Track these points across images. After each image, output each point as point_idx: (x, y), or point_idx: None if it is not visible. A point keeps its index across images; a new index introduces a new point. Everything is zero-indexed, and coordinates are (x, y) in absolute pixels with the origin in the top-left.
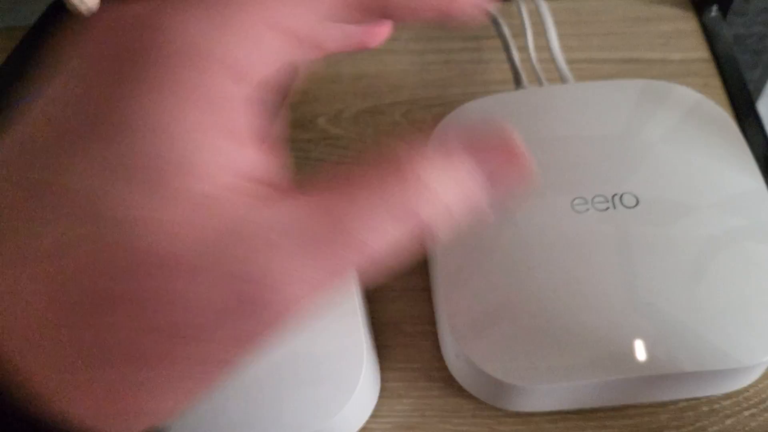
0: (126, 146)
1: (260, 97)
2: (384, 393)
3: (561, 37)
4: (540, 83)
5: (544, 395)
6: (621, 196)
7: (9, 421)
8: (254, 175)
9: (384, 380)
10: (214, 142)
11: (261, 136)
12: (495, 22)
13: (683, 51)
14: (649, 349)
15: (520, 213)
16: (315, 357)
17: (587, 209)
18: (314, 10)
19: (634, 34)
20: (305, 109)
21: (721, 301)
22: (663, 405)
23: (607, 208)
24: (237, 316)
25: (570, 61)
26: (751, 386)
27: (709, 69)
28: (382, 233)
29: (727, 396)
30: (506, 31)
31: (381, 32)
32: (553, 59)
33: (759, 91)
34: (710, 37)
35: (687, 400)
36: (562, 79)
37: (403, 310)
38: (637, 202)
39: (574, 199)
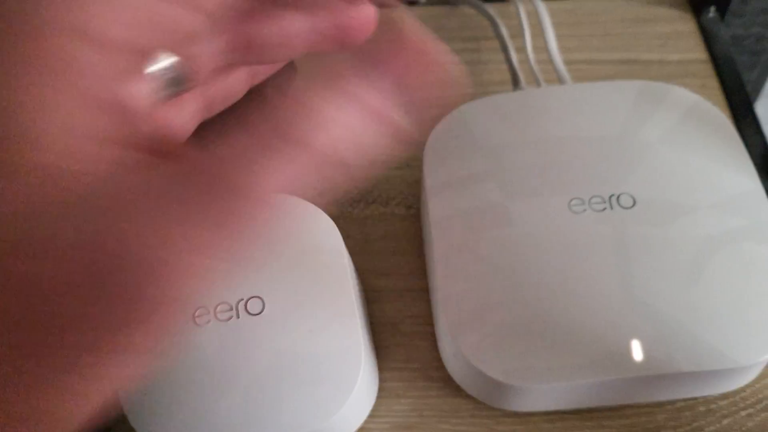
0: None
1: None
2: (382, 393)
3: (559, 38)
4: (538, 84)
5: (542, 395)
6: (618, 197)
7: None
8: (120, 142)
9: (382, 380)
10: (60, 109)
11: (140, 103)
12: (493, 23)
13: (681, 52)
14: (647, 349)
15: (517, 213)
16: (313, 357)
17: (584, 210)
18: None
19: (632, 35)
20: None
21: (718, 301)
22: (660, 405)
23: (604, 209)
24: (105, 297)
25: (568, 62)
26: (748, 386)
27: (707, 70)
28: (279, 177)
29: (724, 396)
30: (504, 32)
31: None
32: (551, 60)
33: (757, 92)
34: (708, 38)
35: (684, 400)
36: (560, 80)
37: (401, 310)
38: (634, 203)
39: (571, 200)
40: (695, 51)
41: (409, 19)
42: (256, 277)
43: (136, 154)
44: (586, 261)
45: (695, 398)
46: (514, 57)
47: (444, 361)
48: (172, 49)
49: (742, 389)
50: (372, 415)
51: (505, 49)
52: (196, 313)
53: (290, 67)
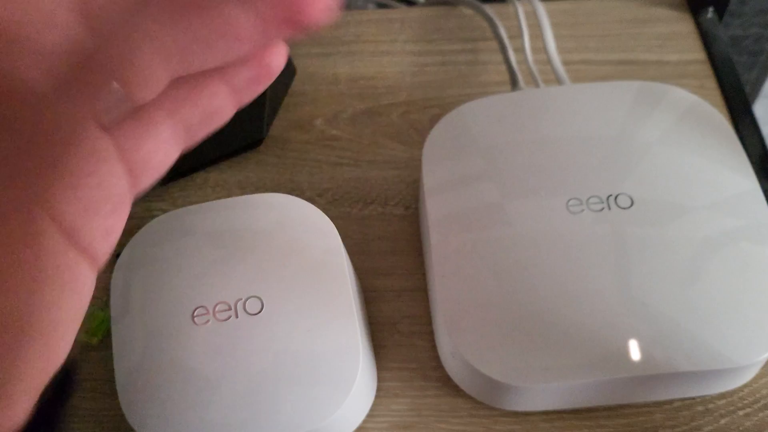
0: None
1: None
2: (380, 392)
3: (557, 38)
4: (536, 85)
5: (540, 395)
6: (616, 197)
7: None
8: None
9: (380, 380)
10: None
11: None
12: (492, 24)
13: (679, 52)
14: (644, 349)
15: (515, 213)
16: (311, 357)
17: (582, 210)
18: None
19: (630, 36)
20: (303, 111)
21: (716, 301)
22: (658, 404)
23: (602, 209)
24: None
25: (566, 63)
26: (745, 386)
27: (705, 71)
28: None
29: (722, 395)
30: (503, 33)
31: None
32: (549, 61)
33: (755, 92)
34: (706, 38)
35: (682, 399)
36: (559, 81)
37: (399, 310)
38: (632, 203)
39: (569, 200)
40: (693, 51)
41: None
42: (255, 276)
43: None
44: (583, 261)
45: (693, 398)
46: (513, 57)
47: (442, 361)
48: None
49: (740, 389)
50: (370, 415)
51: (503, 49)
52: (195, 313)
53: (290, 68)
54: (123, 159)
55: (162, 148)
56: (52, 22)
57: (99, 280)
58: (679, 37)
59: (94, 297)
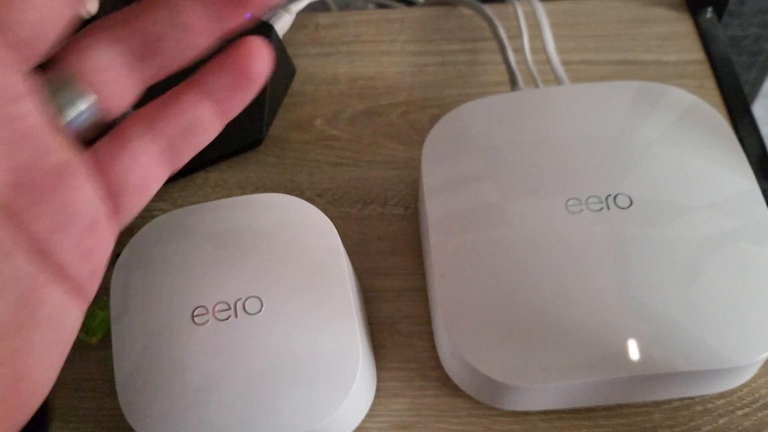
0: None
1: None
2: (380, 392)
3: (557, 38)
4: (536, 85)
5: (539, 395)
6: (615, 197)
7: None
8: None
9: (380, 380)
10: None
11: None
12: (491, 24)
13: (678, 53)
14: (643, 348)
15: (514, 213)
16: (311, 356)
17: (581, 210)
18: None
19: (630, 36)
20: (302, 111)
21: (715, 301)
22: (657, 404)
23: (601, 209)
24: None
25: (565, 63)
26: (744, 385)
27: (704, 71)
28: None
29: (721, 395)
30: (502, 33)
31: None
32: (548, 61)
33: (754, 92)
34: (705, 38)
35: (681, 399)
36: (558, 81)
37: (398, 309)
38: (631, 203)
39: (568, 200)
40: (692, 52)
41: None
42: (255, 276)
43: None
44: (583, 261)
45: (692, 398)
46: (512, 58)
47: (441, 361)
48: None
49: (739, 388)
50: (370, 415)
51: (503, 49)
52: (195, 313)
53: (290, 68)
54: (97, 176)
55: (141, 166)
56: None
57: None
58: (678, 37)
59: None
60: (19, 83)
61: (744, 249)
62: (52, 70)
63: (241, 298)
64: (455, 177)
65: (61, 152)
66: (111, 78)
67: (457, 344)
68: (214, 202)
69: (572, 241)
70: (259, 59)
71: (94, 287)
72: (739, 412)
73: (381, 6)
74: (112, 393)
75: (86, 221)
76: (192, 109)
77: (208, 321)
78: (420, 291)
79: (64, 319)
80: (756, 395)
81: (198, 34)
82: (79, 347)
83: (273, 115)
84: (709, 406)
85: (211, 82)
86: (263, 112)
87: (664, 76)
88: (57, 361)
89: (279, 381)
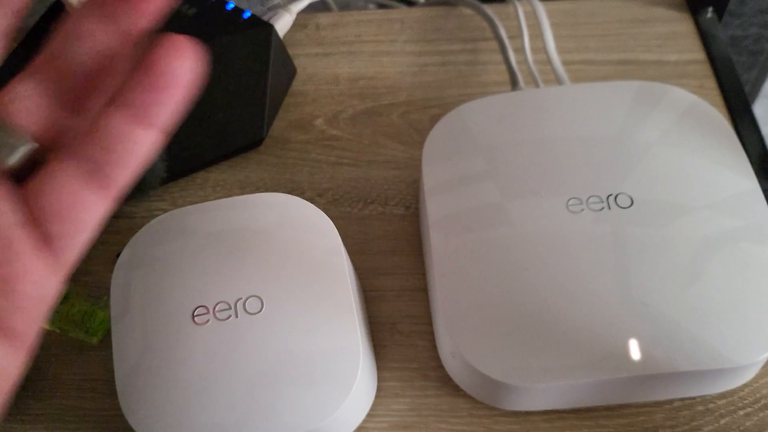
0: None
1: None
2: (380, 392)
3: (557, 38)
4: (536, 85)
5: (540, 395)
6: (616, 197)
7: None
8: None
9: (380, 379)
10: None
11: None
12: (492, 24)
13: (679, 52)
14: (644, 348)
15: (515, 213)
16: (311, 356)
17: (582, 209)
18: None
19: (630, 36)
20: (303, 111)
21: (716, 301)
22: (658, 404)
23: (602, 209)
24: None
25: (566, 63)
26: (745, 385)
27: (705, 70)
28: None
29: (722, 395)
30: (503, 33)
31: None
32: (549, 61)
33: (755, 92)
34: (706, 38)
35: (682, 399)
36: (559, 81)
37: (399, 309)
38: (632, 203)
39: (569, 200)
40: (693, 51)
41: None
42: (255, 276)
43: None
44: (583, 261)
45: (693, 398)
46: (513, 57)
47: (442, 361)
48: None
49: (740, 388)
50: (370, 415)
51: (503, 49)
52: (195, 313)
53: (290, 68)
54: (21, 207)
55: (66, 191)
56: None
57: (99, 279)
58: (678, 37)
59: (94, 296)
60: None
61: (745, 249)
62: None
63: (241, 298)
64: (456, 177)
65: None
66: (27, 106)
67: (457, 344)
68: (214, 201)
69: (573, 241)
70: (178, 58)
71: (31, 333)
72: (741, 412)
73: (381, 6)
74: (113, 393)
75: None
76: (109, 123)
77: (208, 321)
78: (421, 291)
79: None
80: (757, 395)
81: (94, 37)
82: (80, 347)
83: (273, 115)
84: (711, 406)
85: (127, 91)
86: (264, 112)
87: (665, 76)
88: None
89: (279, 381)
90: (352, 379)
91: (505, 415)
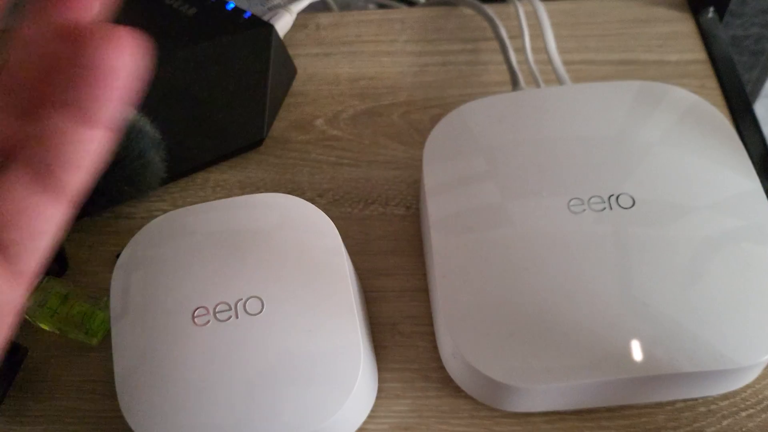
0: None
1: None
2: (381, 393)
3: (558, 38)
4: (537, 85)
5: (541, 396)
6: (617, 197)
7: None
8: None
9: (381, 381)
10: None
11: None
12: (492, 24)
13: (680, 52)
14: (646, 349)
15: (516, 213)
16: (312, 357)
17: (584, 210)
18: None
19: (631, 36)
20: (303, 111)
21: (718, 301)
22: (660, 405)
23: (604, 209)
24: None
25: (567, 63)
26: (748, 387)
27: (706, 70)
28: None
29: (725, 396)
30: (503, 33)
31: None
32: (550, 61)
33: (756, 92)
34: (707, 38)
35: (684, 400)
36: (559, 81)
37: (400, 310)
38: (634, 203)
39: (570, 200)
40: (694, 51)
41: None
42: (255, 277)
43: None
44: (585, 261)
45: (695, 399)
46: (513, 57)
47: (443, 362)
48: None
49: (743, 390)
50: (371, 416)
51: (504, 49)
52: (195, 313)
53: (290, 68)
54: None
55: (12, 198)
56: None
57: (99, 280)
58: (679, 37)
59: (94, 297)
60: None
61: (747, 249)
62: None
63: (241, 299)
64: (457, 177)
65: None
66: None
67: (458, 345)
68: (214, 202)
69: (574, 242)
70: (113, 50)
71: None
72: (743, 414)
73: (382, 6)
74: (112, 394)
75: None
76: (52, 124)
77: (208, 321)
78: (421, 291)
79: None
80: (760, 396)
81: (37, 41)
82: (79, 348)
83: (274, 116)
84: (713, 407)
85: (66, 89)
86: (264, 112)
87: (666, 76)
88: None
89: (280, 382)
90: (352, 380)
91: (506, 417)
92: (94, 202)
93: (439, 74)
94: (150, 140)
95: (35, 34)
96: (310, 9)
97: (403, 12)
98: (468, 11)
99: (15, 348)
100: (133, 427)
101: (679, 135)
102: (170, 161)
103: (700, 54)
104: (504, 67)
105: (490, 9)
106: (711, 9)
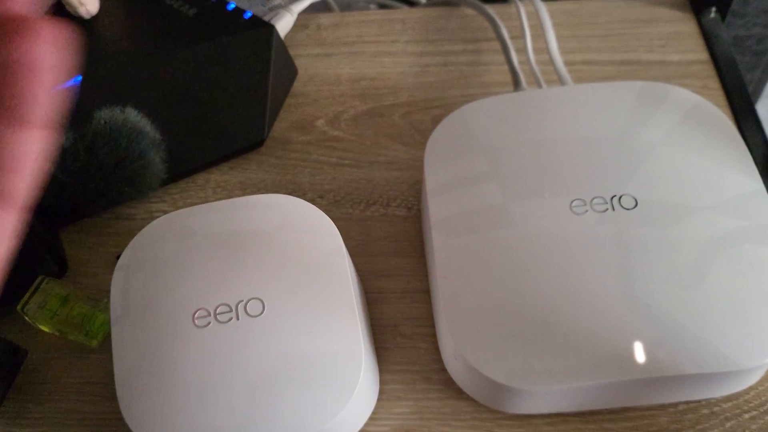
0: None
1: None
2: (383, 395)
3: (559, 39)
4: (539, 85)
5: (543, 398)
6: (620, 198)
7: None
8: None
9: (383, 382)
10: None
11: None
12: (494, 24)
13: (682, 53)
14: (649, 351)
15: (518, 214)
16: (313, 359)
17: (586, 211)
18: None
19: (633, 36)
20: (305, 111)
21: (721, 303)
22: (663, 407)
23: (606, 210)
24: None
25: (568, 63)
26: (751, 388)
27: (708, 70)
28: None
29: (727, 398)
30: (505, 33)
31: None
32: (551, 61)
33: (759, 92)
34: (709, 38)
35: (687, 402)
36: (561, 81)
37: (402, 312)
38: (636, 204)
39: (572, 201)
40: (696, 52)
41: None
42: (256, 278)
43: None
44: (587, 262)
45: (698, 401)
46: (515, 58)
47: (445, 364)
48: None
49: (746, 392)
50: (372, 418)
51: (505, 50)
52: (196, 315)
53: (291, 69)
54: None
55: None
56: None
57: (99, 281)
58: (681, 38)
59: (94, 299)
60: None
61: (750, 250)
62: None
63: (242, 300)
64: (458, 178)
65: None
66: None
67: (460, 346)
68: (215, 203)
69: (577, 243)
70: (36, 45)
71: None
72: (746, 416)
73: (383, 6)
74: (112, 397)
75: None
76: None
77: (209, 323)
78: (423, 293)
79: None
80: (763, 398)
81: None
82: (79, 350)
83: (274, 116)
84: (716, 409)
85: None
86: (265, 112)
87: (668, 76)
88: None
89: (280, 384)
90: (354, 381)
91: (508, 419)
92: (94, 203)
93: (440, 75)
94: (150, 141)
95: None
96: (311, 9)
97: (404, 12)
98: (469, 11)
99: (15, 350)
100: (133, 430)
101: (681, 135)
102: (171, 162)
103: (702, 54)
104: (505, 67)
105: (491, 9)
106: (713, 9)
